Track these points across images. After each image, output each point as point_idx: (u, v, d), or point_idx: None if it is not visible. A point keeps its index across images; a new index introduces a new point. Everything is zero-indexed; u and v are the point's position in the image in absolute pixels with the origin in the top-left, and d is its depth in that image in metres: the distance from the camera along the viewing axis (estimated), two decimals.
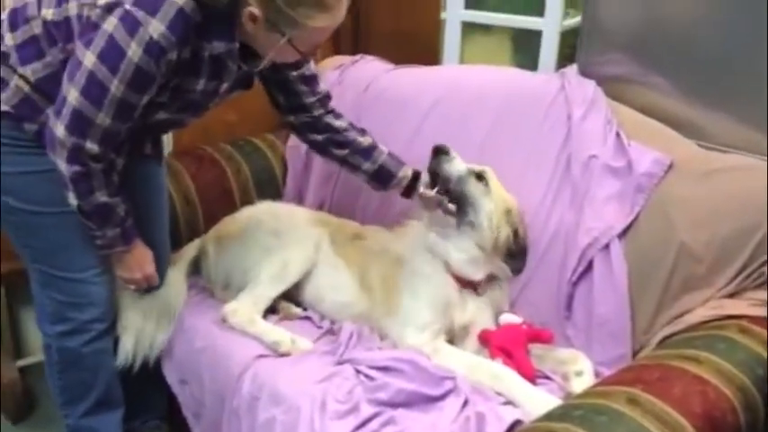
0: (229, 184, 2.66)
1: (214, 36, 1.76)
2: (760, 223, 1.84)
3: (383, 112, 2.59)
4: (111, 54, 1.68)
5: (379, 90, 2.65)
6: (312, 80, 2.14)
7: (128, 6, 1.66)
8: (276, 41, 1.76)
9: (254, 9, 1.70)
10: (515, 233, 2.09)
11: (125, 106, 1.74)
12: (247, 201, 2.64)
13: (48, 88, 1.84)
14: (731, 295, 1.86)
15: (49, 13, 1.83)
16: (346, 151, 2.21)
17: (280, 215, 2.37)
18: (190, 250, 2.44)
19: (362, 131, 2.24)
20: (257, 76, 2.04)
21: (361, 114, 2.63)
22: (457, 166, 2.09)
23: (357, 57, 2.86)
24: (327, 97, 2.20)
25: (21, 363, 2.82)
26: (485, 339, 2.04)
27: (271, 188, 2.74)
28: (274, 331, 2.11)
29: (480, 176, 2.09)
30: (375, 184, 2.26)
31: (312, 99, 2.15)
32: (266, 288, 2.20)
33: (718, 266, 1.87)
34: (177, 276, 2.34)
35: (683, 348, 1.69)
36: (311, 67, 2.13)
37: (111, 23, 1.67)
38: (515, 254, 2.11)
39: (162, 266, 2.19)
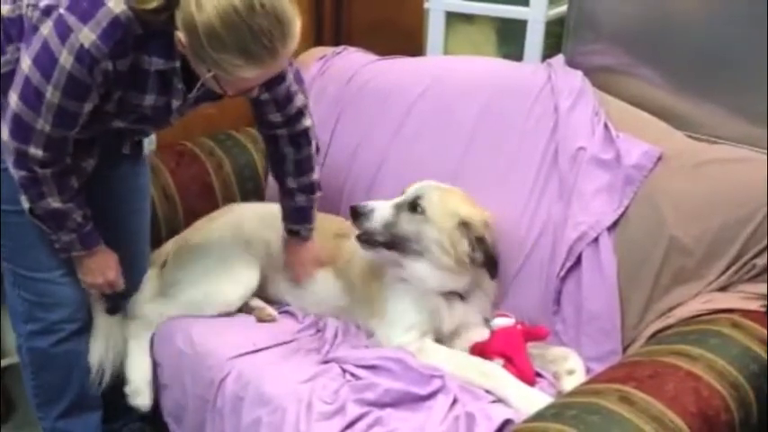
0: (210, 180, 2.61)
1: (154, 51, 1.68)
2: (751, 215, 1.82)
3: (367, 104, 2.55)
4: (44, 59, 1.63)
5: (363, 82, 2.60)
6: (282, 102, 1.98)
7: (62, 11, 1.60)
8: (203, 74, 1.66)
9: (182, 36, 1.59)
10: (480, 240, 1.97)
11: (64, 113, 1.68)
12: (229, 196, 2.60)
13: (6, 87, 1.77)
14: (722, 288, 1.84)
15: (5, 9, 1.78)
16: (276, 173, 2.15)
17: (248, 231, 2.28)
18: (168, 249, 2.38)
19: (305, 171, 2.11)
20: None
21: (344, 107, 2.59)
22: (377, 216, 1.97)
23: (339, 48, 2.81)
24: (298, 116, 2.03)
25: None
26: (482, 349, 1.98)
27: (252, 183, 2.69)
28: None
29: (414, 205, 1.99)
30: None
31: (279, 119, 2.01)
32: (172, 308, 2.18)
33: (709, 260, 1.85)
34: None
35: (675, 344, 1.67)
36: (285, 87, 1.95)
37: (47, 27, 1.62)
38: (483, 262, 1.99)
39: (140, 268, 2.15)
